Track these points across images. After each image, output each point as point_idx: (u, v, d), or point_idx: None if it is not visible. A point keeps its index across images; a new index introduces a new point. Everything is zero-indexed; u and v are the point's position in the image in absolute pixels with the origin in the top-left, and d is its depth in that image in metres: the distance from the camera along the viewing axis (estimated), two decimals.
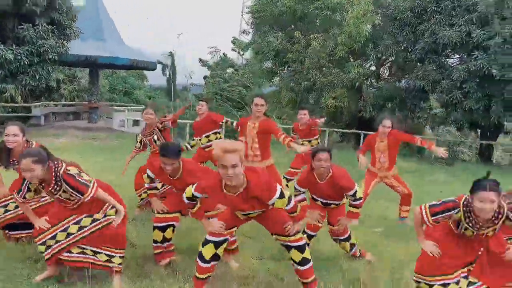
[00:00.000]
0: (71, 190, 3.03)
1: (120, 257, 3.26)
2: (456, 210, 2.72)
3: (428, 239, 2.92)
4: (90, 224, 3.19)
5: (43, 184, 3.10)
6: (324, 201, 3.92)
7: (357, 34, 14.08)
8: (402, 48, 15.16)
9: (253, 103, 4.76)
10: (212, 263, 3.11)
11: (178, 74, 33.02)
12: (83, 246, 3.19)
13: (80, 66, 19.83)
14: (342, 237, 3.97)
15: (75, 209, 3.20)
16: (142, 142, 5.28)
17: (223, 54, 28.49)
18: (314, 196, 3.96)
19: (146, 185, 3.86)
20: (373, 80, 18.08)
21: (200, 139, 5.86)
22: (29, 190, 3.20)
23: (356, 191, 3.70)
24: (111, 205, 3.23)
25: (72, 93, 22.45)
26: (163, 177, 3.71)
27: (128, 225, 4.51)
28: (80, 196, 3.06)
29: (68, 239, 3.17)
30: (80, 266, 3.20)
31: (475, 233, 2.74)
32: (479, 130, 14.96)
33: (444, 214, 2.76)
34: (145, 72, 31.70)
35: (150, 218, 4.75)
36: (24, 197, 3.21)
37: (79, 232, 3.18)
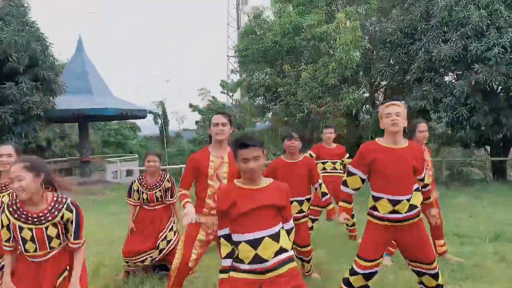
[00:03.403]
0: (74, 227, 2.37)
1: None
2: None
3: None
4: None
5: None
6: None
7: (348, 61, 13.72)
8: (396, 70, 14.82)
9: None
10: None
11: (170, 120, 32.82)
12: None
13: (68, 121, 19.37)
14: (306, 258, 3.98)
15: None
16: (139, 195, 4.39)
17: (212, 97, 28.44)
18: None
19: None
20: (368, 106, 17.68)
21: None
22: None
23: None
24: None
25: (64, 149, 22.01)
26: None
27: None
28: (77, 239, 2.42)
29: None
30: None
31: None
32: (488, 147, 14.33)
33: None
34: (138, 123, 31.40)
35: (144, 282, 3.99)
36: None
37: None
